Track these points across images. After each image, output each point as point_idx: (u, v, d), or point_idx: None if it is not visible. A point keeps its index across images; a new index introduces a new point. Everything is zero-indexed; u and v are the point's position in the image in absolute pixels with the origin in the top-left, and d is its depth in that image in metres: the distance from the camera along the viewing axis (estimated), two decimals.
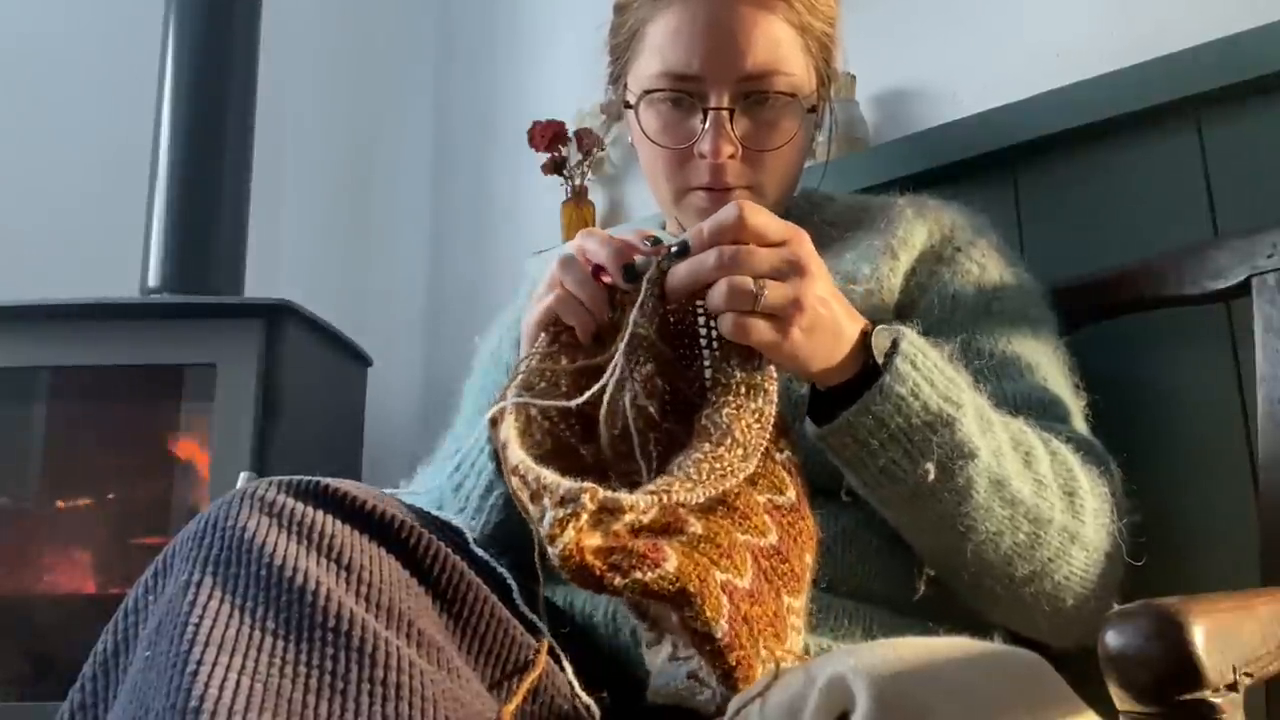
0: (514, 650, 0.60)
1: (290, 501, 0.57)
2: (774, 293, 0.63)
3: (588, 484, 0.52)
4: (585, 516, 0.51)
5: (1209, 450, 1.00)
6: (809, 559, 0.62)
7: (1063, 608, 0.75)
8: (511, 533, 0.76)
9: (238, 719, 0.47)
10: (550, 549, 0.51)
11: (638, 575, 0.51)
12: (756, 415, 0.61)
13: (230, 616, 0.51)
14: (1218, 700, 0.49)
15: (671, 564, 0.52)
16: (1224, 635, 0.50)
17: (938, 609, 0.75)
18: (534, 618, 0.62)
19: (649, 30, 0.87)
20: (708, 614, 0.53)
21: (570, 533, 0.50)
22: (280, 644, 0.50)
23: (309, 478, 0.60)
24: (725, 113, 0.84)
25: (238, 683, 0.48)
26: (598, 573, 0.51)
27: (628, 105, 0.91)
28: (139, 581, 0.58)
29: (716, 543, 0.56)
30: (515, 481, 0.55)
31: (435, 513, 0.65)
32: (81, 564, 1.77)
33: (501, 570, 0.64)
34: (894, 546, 0.76)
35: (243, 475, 1.40)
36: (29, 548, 1.75)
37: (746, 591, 0.56)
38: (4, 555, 1.72)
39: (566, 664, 0.62)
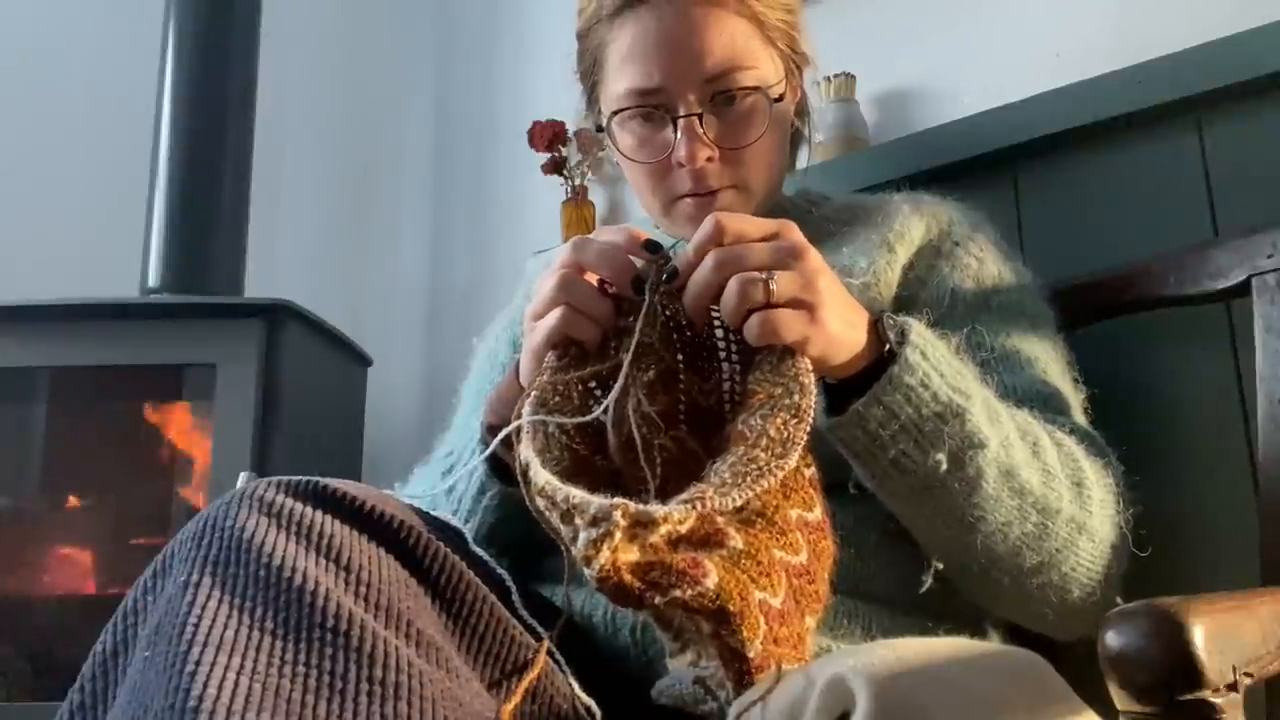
0: (513, 650, 0.60)
1: (289, 502, 0.57)
2: (784, 281, 0.63)
3: (618, 500, 0.51)
4: (619, 534, 0.50)
5: (1209, 450, 1.00)
6: (827, 578, 0.62)
7: (1069, 599, 0.75)
8: (506, 533, 0.76)
9: (236, 719, 0.47)
10: (586, 570, 0.50)
11: (677, 593, 0.50)
12: (792, 411, 0.59)
13: (229, 617, 0.51)
14: (1218, 700, 0.48)
15: (712, 580, 0.51)
16: (1224, 635, 0.50)
17: (937, 608, 0.75)
18: (533, 622, 0.62)
19: (609, 52, 0.88)
20: (745, 634, 0.52)
21: (605, 552, 0.49)
22: (279, 644, 0.50)
23: (308, 478, 0.60)
24: (695, 118, 0.84)
25: (236, 682, 0.48)
26: (636, 592, 0.50)
27: (600, 129, 0.91)
28: (138, 582, 0.58)
29: (757, 559, 0.55)
30: (542, 503, 0.54)
31: (434, 513, 0.65)
32: (81, 564, 1.77)
33: (501, 571, 0.64)
34: (894, 543, 0.76)
35: (243, 475, 1.40)
36: (29, 548, 1.75)
37: (779, 612, 0.55)
38: (4, 555, 1.72)
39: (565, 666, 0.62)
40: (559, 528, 0.53)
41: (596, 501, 0.51)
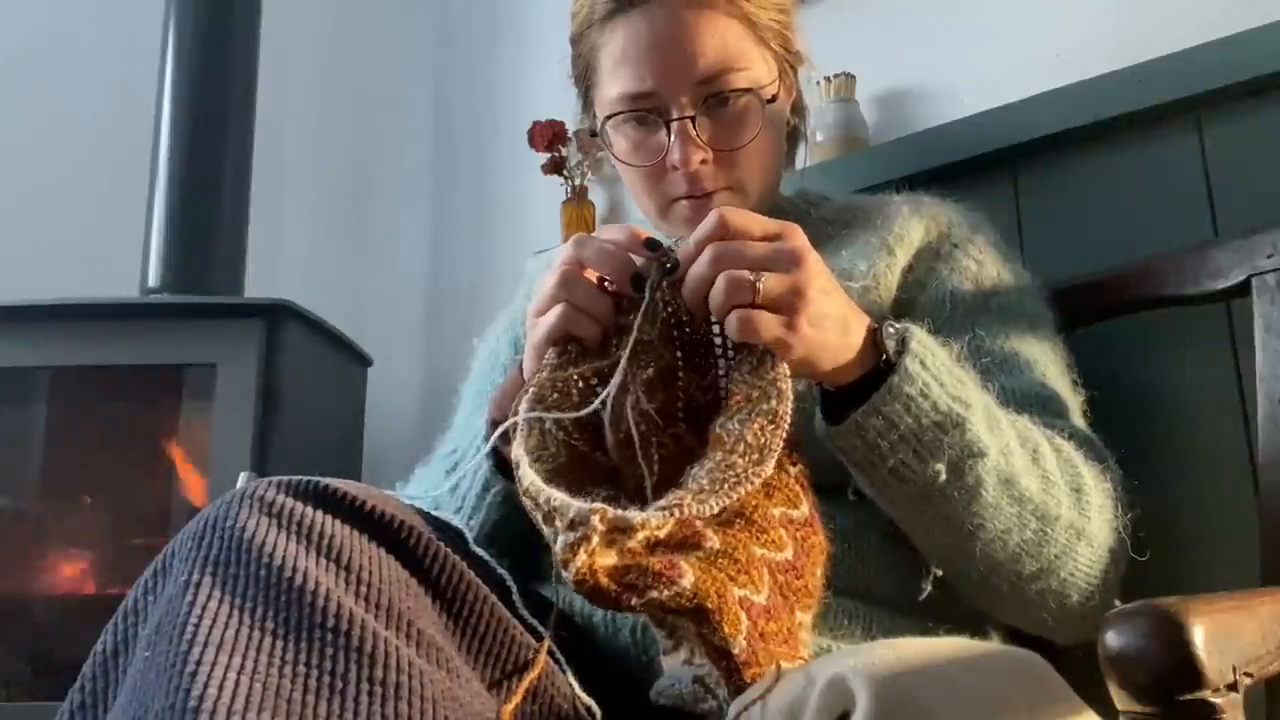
0: (513, 650, 0.60)
1: (290, 502, 0.57)
2: (772, 283, 0.63)
3: (597, 505, 0.52)
4: (596, 538, 0.50)
5: (1209, 450, 1.00)
6: (820, 574, 0.62)
7: (1068, 604, 0.75)
8: (510, 531, 0.76)
9: (236, 719, 0.47)
10: (564, 572, 0.50)
11: (653, 594, 0.51)
12: (770, 416, 0.60)
13: (229, 617, 0.51)
14: (1218, 700, 0.48)
15: (688, 580, 0.51)
16: (1224, 635, 0.50)
17: (938, 609, 0.75)
18: (534, 621, 0.62)
19: (601, 56, 0.88)
20: (726, 631, 0.52)
21: (582, 556, 0.50)
22: (279, 644, 0.50)
23: (308, 478, 0.60)
24: (688, 121, 0.84)
25: (237, 682, 0.48)
26: (613, 594, 0.50)
27: (593, 134, 0.92)
28: (138, 582, 0.58)
29: (734, 558, 0.55)
30: (528, 503, 0.55)
31: (434, 513, 0.65)
32: (81, 564, 1.77)
33: (501, 571, 0.64)
34: (894, 546, 0.76)
35: (243, 475, 1.39)
36: (29, 548, 1.75)
37: (763, 608, 0.55)
38: (4, 555, 1.72)
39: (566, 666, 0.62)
40: (542, 528, 0.54)
41: (576, 505, 0.52)
